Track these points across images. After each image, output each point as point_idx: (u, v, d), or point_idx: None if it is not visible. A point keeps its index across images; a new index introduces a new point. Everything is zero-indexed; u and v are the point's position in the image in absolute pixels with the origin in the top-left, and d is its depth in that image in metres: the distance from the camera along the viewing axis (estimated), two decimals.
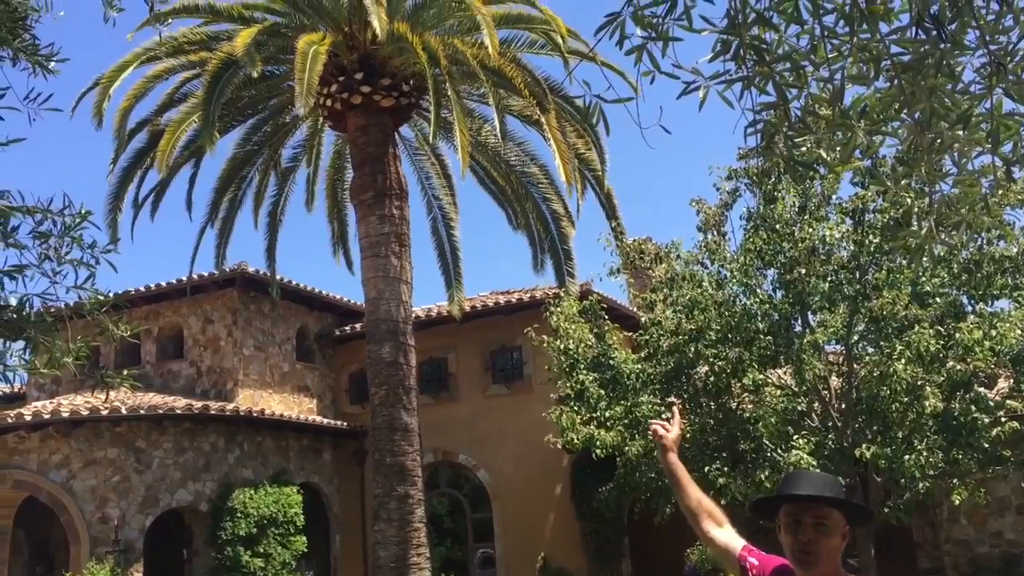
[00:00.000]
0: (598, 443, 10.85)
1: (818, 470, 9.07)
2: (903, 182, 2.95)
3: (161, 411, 15.52)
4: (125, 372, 4.31)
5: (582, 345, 11.38)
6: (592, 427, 11.19)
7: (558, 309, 11.96)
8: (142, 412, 15.28)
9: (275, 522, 16.46)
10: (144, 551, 15.45)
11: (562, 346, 11.46)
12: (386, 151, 13.73)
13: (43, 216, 3.54)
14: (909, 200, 9.40)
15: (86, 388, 17.95)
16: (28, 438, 15.33)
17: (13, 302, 3.65)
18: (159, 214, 13.97)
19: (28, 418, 14.79)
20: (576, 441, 11.42)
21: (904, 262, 10.38)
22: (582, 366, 11.34)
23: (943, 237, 2.63)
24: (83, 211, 3.60)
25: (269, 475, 17.27)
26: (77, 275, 3.70)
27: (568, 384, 11.45)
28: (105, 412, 14.91)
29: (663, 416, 11.39)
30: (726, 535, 3.07)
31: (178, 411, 15.70)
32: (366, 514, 17.53)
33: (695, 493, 3.12)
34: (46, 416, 14.76)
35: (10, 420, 14.80)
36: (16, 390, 19.93)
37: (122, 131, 12.32)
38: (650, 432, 3.37)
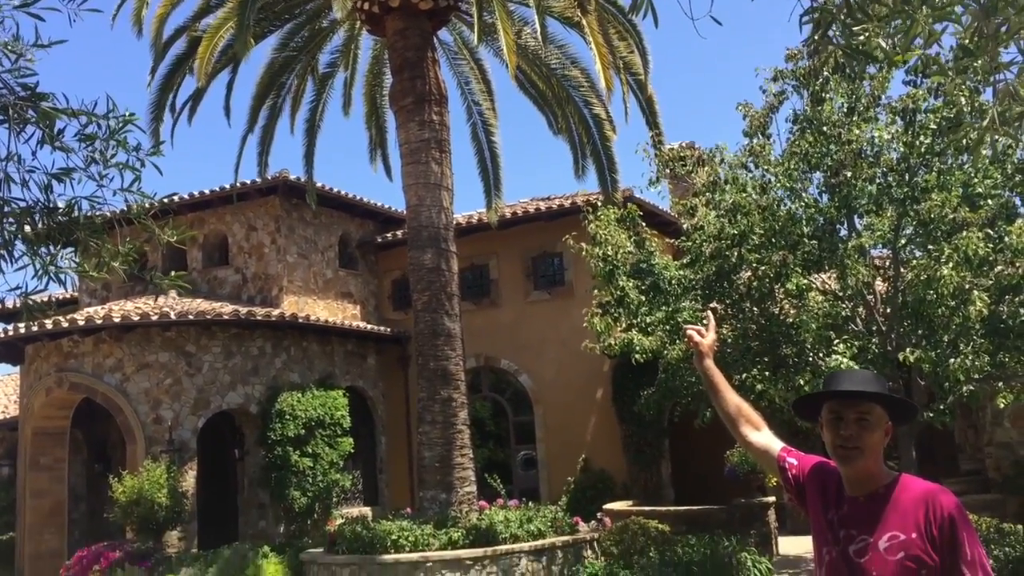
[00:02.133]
0: (637, 348, 10.90)
1: (867, 372, 9.06)
2: (965, 72, 2.85)
3: (209, 317, 15.85)
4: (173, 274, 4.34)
5: (621, 251, 11.32)
6: (633, 332, 11.22)
7: (596, 216, 11.87)
8: (191, 317, 15.62)
9: (322, 424, 16.91)
10: (197, 450, 16.01)
11: (601, 253, 11.41)
12: (425, 55, 13.55)
13: (88, 119, 3.55)
14: (963, 99, 9.09)
15: (136, 293, 18.41)
16: (82, 342, 15.79)
17: (62, 205, 3.70)
18: (201, 122, 14.07)
19: (81, 323, 15.19)
20: (614, 346, 11.47)
21: (955, 163, 10.13)
22: (622, 272, 11.31)
23: (1005, 129, 2.54)
24: (128, 114, 3.60)
25: (315, 379, 17.66)
26: (123, 178, 3.73)
27: (608, 291, 11.44)
28: (155, 317, 15.27)
29: (701, 322, 11.34)
30: (764, 438, 3.11)
31: (226, 317, 16.02)
32: (410, 416, 17.92)
33: (732, 398, 3.17)
34: (98, 321, 15.15)
35: (64, 325, 15.21)
36: (69, 296, 20.42)
37: (159, 38, 12.27)
38: (685, 337, 3.41)
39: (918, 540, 2.57)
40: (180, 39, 13.32)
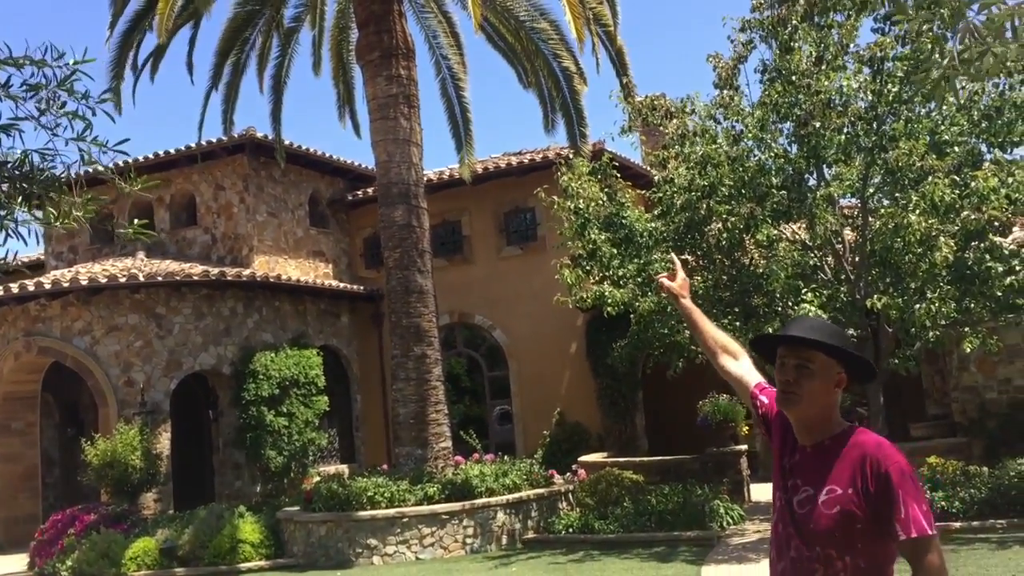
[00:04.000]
0: (609, 301, 10.94)
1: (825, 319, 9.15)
2: (932, 14, 2.82)
3: (179, 278, 15.69)
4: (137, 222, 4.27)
5: (593, 204, 11.30)
6: (605, 285, 11.25)
7: (569, 169, 11.82)
8: (160, 279, 15.45)
9: (296, 383, 16.88)
10: (171, 412, 15.94)
11: (572, 206, 11.39)
12: (391, 8, 13.35)
13: (37, 68, 3.44)
14: (929, 46, 9.14)
15: (103, 255, 18.19)
16: (49, 306, 15.60)
17: (12, 159, 3.60)
18: (165, 80, 13.82)
19: (48, 286, 15.00)
20: (586, 299, 11.50)
21: (923, 111, 10.16)
22: (594, 225, 11.30)
23: (965, 68, 2.53)
24: (73, 62, 3.47)
25: (288, 338, 17.59)
26: (73, 128, 3.62)
27: (580, 243, 11.44)
28: (123, 279, 15.09)
29: (669, 270, 11.37)
30: (740, 367, 3.11)
31: (195, 277, 15.87)
32: (385, 374, 17.89)
33: (710, 331, 3.18)
34: (65, 284, 14.96)
35: (31, 288, 15.01)
36: (35, 259, 20.14)
37: None
38: (657, 287, 3.45)
39: (853, 495, 2.53)
40: None
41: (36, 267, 19.75)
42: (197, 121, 14.62)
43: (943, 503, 10.06)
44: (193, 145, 16.82)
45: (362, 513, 11.64)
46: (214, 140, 16.98)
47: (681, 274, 3.31)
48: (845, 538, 2.53)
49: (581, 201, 11.30)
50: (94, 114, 3.60)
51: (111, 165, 4.04)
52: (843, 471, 2.59)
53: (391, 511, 11.58)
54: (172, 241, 18.38)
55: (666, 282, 3.31)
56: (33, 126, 3.54)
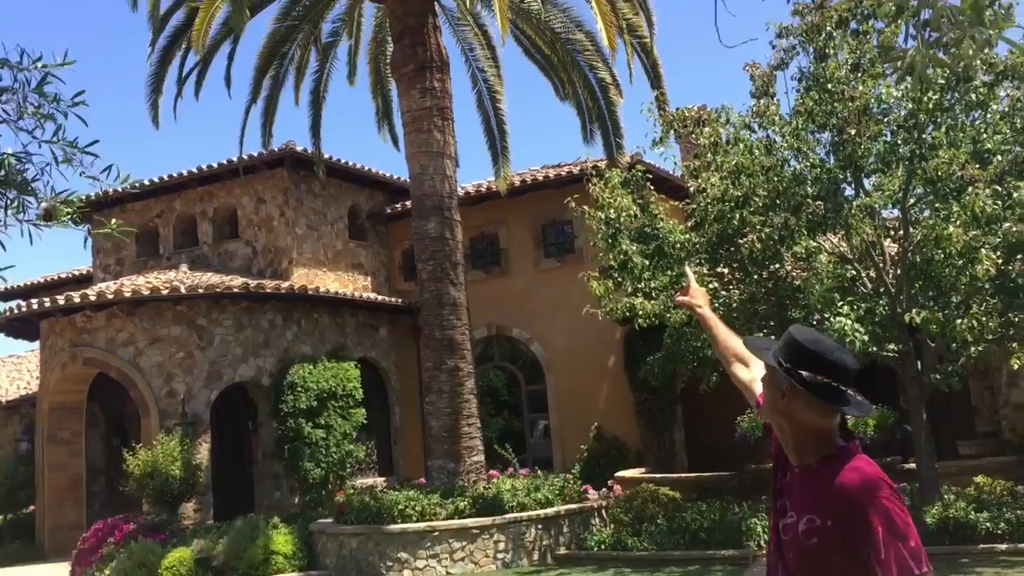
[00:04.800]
0: (640, 313, 10.77)
1: (862, 336, 8.89)
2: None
3: (219, 290, 15.86)
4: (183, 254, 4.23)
5: (624, 214, 11.16)
6: (636, 297, 11.09)
7: (599, 179, 11.70)
8: (201, 291, 15.63)
9: (334, 395, 16.93)
10: (211, 423, 16.09)
11: (603, 216, 11.26)
12: (426, 21, 13.38)
13: (13, 71, 3.43)
14: (971, 52, 8.87)
15: (148, 268, 18.48)
16: (95, 317, 15.87)
17: None
18: (209, 96, 14.01)
19: (93, 298, 15.26)
20: (616, 310, 11.35)
21: (964, 119, 9.87)
22: (625, 236, 11.16)
23: (938, 55, 2.39)
24: (39, 64, 3.43)
25: (327, 351, 17.67)
26: (44, 130, 3.61)
27: (611, 254, 11.30)
28: (165, 292, 15.30)
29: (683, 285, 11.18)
30: (750, 374, 3.00)
31: (235, 290, 16.02)
32: (423, 387, 17.92)
33: (725, 339, 3.12)
34: (110, 296, 15.21)
35: (76, 300, 15.30)
36: (84, 272, 20.57)
37: (156, 9, 12.16)
38: (678, 306, 3.43)
39: (832, 528, 2.37)
40: (179, 11, 13.22)
41: (85, 280, 20.17)
42: (238, 135, 14.76)
43: (988, 524, 9.70)
44: (235, 159, 17.03)
45: (393, 527, 11.60)
46: (255, 154, 17.18)
47: (694, 285, 3.27)
48: (823, 572, 2.39)
49: (612, 211, 11.17)
50: (66, 117, 3.58)
51: (123, 187, 4.01)
52: (824, 500, 2.43)
53: (422, 525, 11.52)
54: (214, 254, 18.61)
55: (682, 299, 3.28)
56: (11, 129, 3.54)
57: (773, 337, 3.06)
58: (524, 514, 11.84)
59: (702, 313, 3.19)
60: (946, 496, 10.46)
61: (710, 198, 10.67)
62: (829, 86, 9.80)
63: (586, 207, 11.62)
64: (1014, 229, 8.77)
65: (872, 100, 9.92)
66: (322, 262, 18.60)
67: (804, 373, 2.52)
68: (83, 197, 3.81)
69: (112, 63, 50.05)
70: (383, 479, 18.27)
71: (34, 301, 15.84)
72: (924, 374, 10.26)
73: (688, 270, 3.61)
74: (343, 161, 18.43)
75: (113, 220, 3.97)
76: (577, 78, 14.89)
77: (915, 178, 9.98)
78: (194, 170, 17.76)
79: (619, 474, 15.03)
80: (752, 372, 3.00)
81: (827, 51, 9.97)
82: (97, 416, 18.42)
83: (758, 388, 2.96)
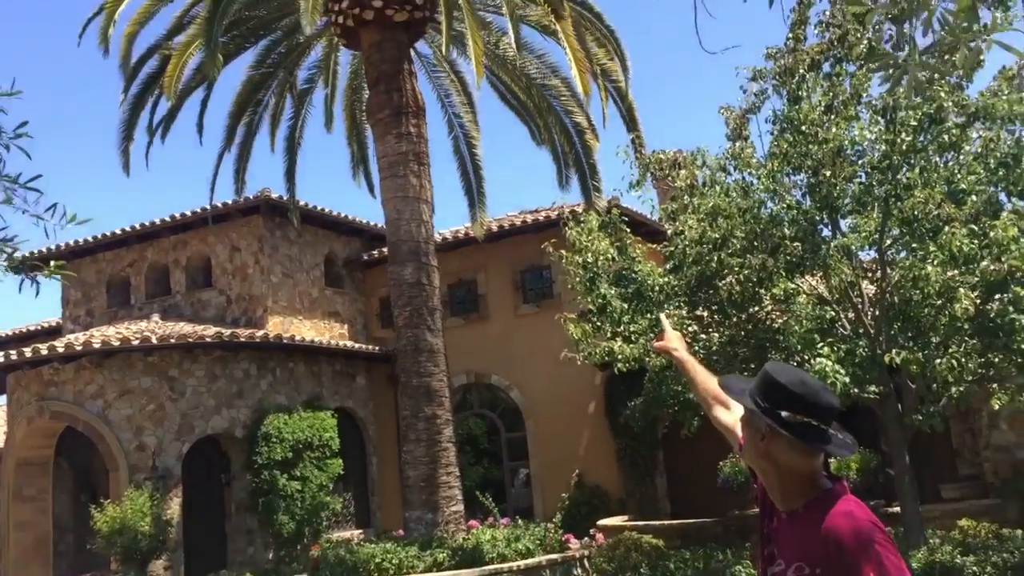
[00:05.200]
0: (620, 357, 10.63)
1: (844, 377, 8.78)
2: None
3: (191, 340, 15.60)
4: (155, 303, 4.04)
5: (601, 258, 11.06)
6: (616, 342, 10.95)
7: (576, 224, 11.63)
8: (172, 341, 15.36)
9: (310, 446, 16.61)
10: (183, 476, 15.71)
11: (581, 260, 11.16)
12: (401, 68, 13.38)
13: None
14: (943, 94, 8.75)
15: (119, 319, 18.17)
16: (63, 369, 15.53)
17: None
18: (181, 142, 13.95)
19: (60, 350, 14.95)
20: (594, 355, 11.21)
21: (938, 160, 9.89)
22: (603, 279, 11.05)
23: (928, 60, 2.30)
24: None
25: (303, 400, 17.38)
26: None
27: (590, 298, 11.18)
28: (136, 342, 15.02)
29: (681, 328, 11.18)
30: (731, 417, 2.90)
31: (208, 339, 15.75)
32: (400, 435, 17.65)
33: (703, 381, 3.02)
34: (78, 347, 14.90)
35: (44, 352, 14.97)
36: (54, 324, 20.21)
37: (128, 57, 12.09)
38: (654, 352, 3.37)
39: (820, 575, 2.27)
40: (152, 58, 13.15)
41: (54, 332, 19.82)
42: (209, 182, 14.63)
43: (975, 568, 9.54)
44: (208, 207, 16.87)
45: None
46: (230, 202, 17.04)
47: (669, 330, 3.20)
48: None
49: (590, 255, 11.07)
50: (8, 149, 3.44)
51: (68, 226, 3.83)
52: (811, 546, 2.31)
53: None
54: (187, 303, 18.35)
55: (659, 344, 3.21)
56: None
57: (747, 374, 2.96)
58: (504, 565, 11.56)
59: (679, 357, 3.11)
60: (931, 540, 10.30)
61: (688, 240, 10.60)
62: (803, 128, 9.80)
63: (563, 251, 11.52)
64: (991, 268, 8.74)
65: (846, 142, 9.93)
66: (298, 310, 18.38)
67: (783, 413, 2.41)
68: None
69: (74, 106, 49.88)
70: (360, 531, 17.89)
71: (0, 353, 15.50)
72: (905, 415, 10.14)
73: (663, 316, 3.54)
74: (319, 208, 18.31)
75: (52, 262, 3.77)
76: (553, 123, 14.92)
77: (891, 219, 9.96)
78: (167, 218, 17.58)
79: (601, 522, 14.77)
80: (733, 415, 2.89)
81: (800, 94, 9.99)
82: (65, 471, 17.95)
83: (740, 431, 2.85)
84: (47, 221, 3.61)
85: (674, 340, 3.14)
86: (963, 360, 9.05)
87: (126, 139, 13.05)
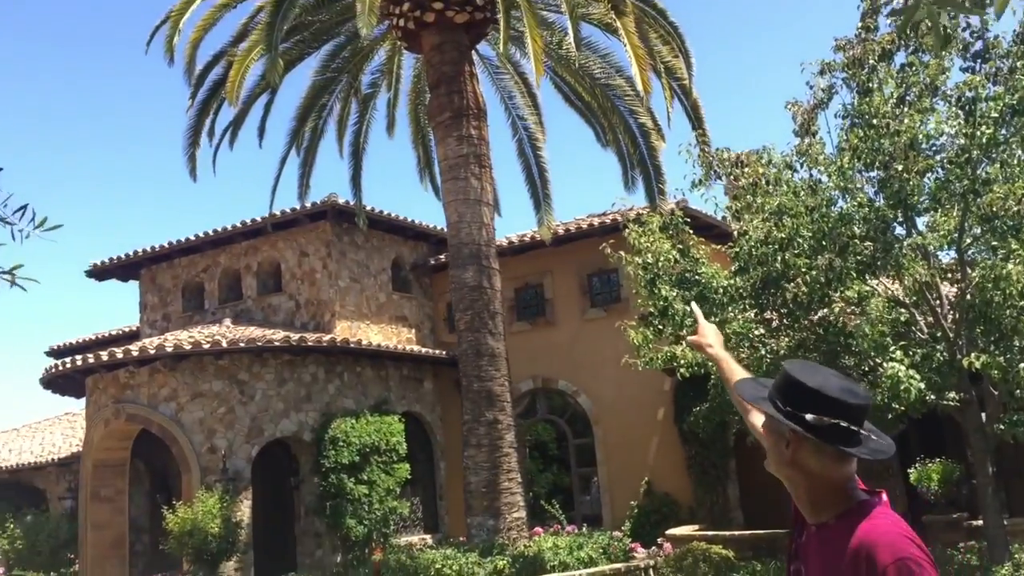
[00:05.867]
0: (682, 362, 10.30)
1: (918, 383, 8.31)
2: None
3: (260, 344, 15.75)
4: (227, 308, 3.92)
5: (662, 259, 10.74)
6: (679, 346, 10.62)
7: (636, 225, 11.33)
8: (242, 345, 15.54)
9: (377, 450, 16.63)
10: (253, 479, 15.88)
11: (641, 261, 10.85)
12: (462, 69, 13.29)
13: None
14: None
15: (194, 323, 18.51)
16: (137, 373, 15.86)
17: None
18: (244, 149, 14.05)
19: (135, 353, 15.27)
20: (655, 360, 10.89)
21: (1021, 152, 9.32)
22: (664, 281, 10.73)
23: None
24: None
25: (370, 404, 17.42)
26: None
27: (651, 301, 10.87)
28: (207, 346, 15.24)
29: (749, 335, 10.76)
30: None
31: (277, 343, 15.90)
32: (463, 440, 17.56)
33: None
34: (152, 351, 15.20)
35: (119, 356, 15.32)
36: (132, 329, 20.72)
37: (192, 64, 12.27)
38: (689, 345, 3.14)
39: None
40: (218, 65, 13.32)
41: (133, 336, 20.32)
42: (281, 188, 14.78)
43: None
44: (278, 213, 17.05)
45: None
46: (298, 207, 17.20)
47: (703, 322, 3.01)
48: None
49: (650, 256, 10.76)
50: None
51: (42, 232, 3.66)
52: (841, 564, 2.07)
53: None
54: (258, 308, 18.59)
55: (691, 339, 3.05)
56: None
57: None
58: (566, 574, 11.31)
59: (713, 354, 2.90)
60: (1017, 556, 9.69)
61: (753, 241, 10.21)
62: (874, 121, 9.34)
63: (623, 253, 11.24)
64: None
65: (920, 135, 9.43)
66: (365, 315, 18.44)
67: (808, 416, 2.18)
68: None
69: (142, 116, 51.28)
70: (429, 536, 17.85)
71: (78, 357, 15.91)
72: (988, 424, 9.58)
73: (695, 307, 3.29)
74: (385, 212, 18.36)
75: (11, 268, 3.53)
76: (618, 124, 14.64)
77: (970, 215, 9.43)
78: (238, 224, 17.84)
79: (669, 531, 14.39)
80: None
81: (871, 85, 9.53)
82: (142, 473, 18.36)
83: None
84: (14, 225, 3.44)
85: (709, 335, 2.94)
86: None
87: (192, 145, 13.26)
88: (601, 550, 12.09)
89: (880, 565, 1.97)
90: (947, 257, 11.15)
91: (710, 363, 10.37)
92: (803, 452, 2.19)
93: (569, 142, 51.66)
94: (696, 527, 15.16)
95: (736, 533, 13.97)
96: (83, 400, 18.15)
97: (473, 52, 13.88)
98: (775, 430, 2.25)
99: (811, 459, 2.19)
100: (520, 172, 16.19)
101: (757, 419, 2.68)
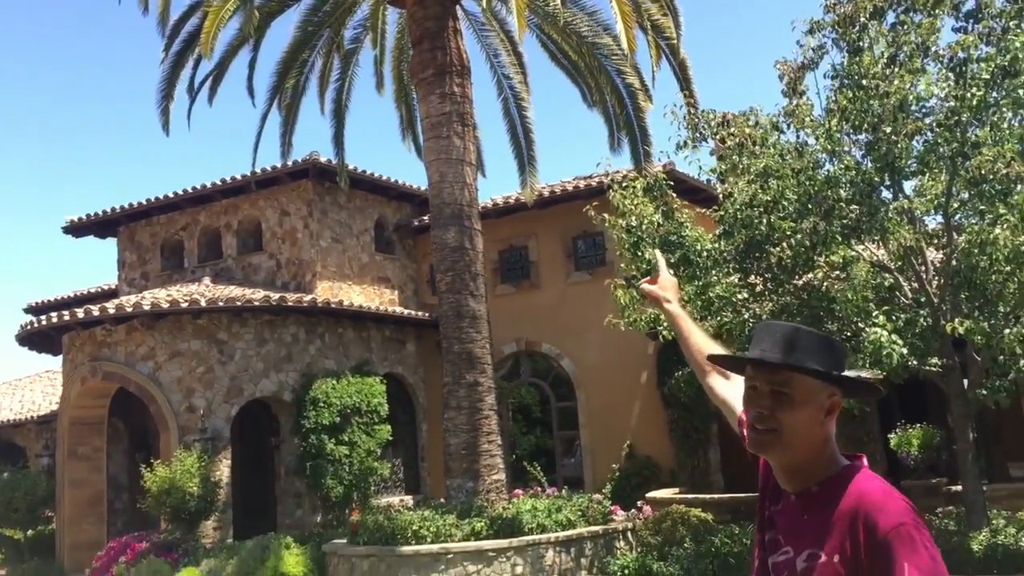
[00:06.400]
0: (664, 324, 10.18)
1: (900, 348, 8.22)
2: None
3: (239, 303, 15.57)
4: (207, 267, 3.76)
5: (646, 222, 10.58)
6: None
7: (621, 186, 11.15)
8: (221, 304, 15.35)
9: (358, 411, 16.52)
10: (233, 439, 15.77)
11: (625, 224, 10.69)
12: (445, 25, 12.99)
13: None
14: (1018, 44, 8.01)
15: (173, 282, 18.28)
16: (115, 331, 15.66)
17: None
18: (229, 105, 13.72)
19: (112, 311, 15.06)
20: (639, 322, 10.77)
21: (1011, 114, 9.17)
22: (648, 244, 10.58)
23: None
24: None
25: (351, 365, 17.29)
26: None
27: (635, 264, 10.73)
28: (185, 305, 15.04)
29: (733, 298, 10.65)
30: (729, 391, 2.48)
31: (256, 303, 15.71)
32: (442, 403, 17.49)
33: (698, 343, 2.59)
34: (129, 309, 14.99)
35: (96, 313, 15.10)
36: (111, 287, 20.48)
37: (166, 14, 11.92)
38: (640, 293, 2.84)
39: (840, 567, 1.86)
40: (195, 16, 12.95)
41: (112, 294, 20.07)
42: (262, 145, 14.47)
43: None
44: (258, 171, 16.77)
45: (406, 548, 11.10)
46: (278, 166, 16.91)
47: (665, 274, 2.75)
48: None
49: (634, 219, 10.60)
50: None
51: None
52: (831, 531, 1.91)
53: (435, 547, 11.00)
54: (238, 267, 18.37)
55: (647, 287, 2.74)
56: None
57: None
58: (543, 536, 11.27)
59: (670, 310, 2.66)
60: (995, 521, 9.69)
61: (738, 204, 10.07)
62: (863, 82, 9.17)
63: (607, 215, 11.07)
64: None
65: (911, 97, 9.26)
66: (347, 275, 18.25)
67: (851, 373, 2.04)
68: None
69: (124, 70, 50.47)
70: (410, 497, 17.82)
71: (54, 314, 15.69)
72: (970, 390, 9.53)
73: (659, 254, 3.05)
74: (368, 172, 18.09)
75: None
76: (605, 84, 14.36)
77: (958, 180, 9.29)
78: (218, 182, 17.55)
79: (650, 495, 14.39)
80: (733, 387, 2.45)
81: (860, 44, 9.34)
82: (121, 432, 18.22)
83: (737, 408, 2.42)
84: None
85: (668, 288, 2.70)
86: None
87: (166, 98, 12.92)
88: (580, 512, 12.04)
89: (881, 530, 1.82)
90: (933, 222, 11.04)
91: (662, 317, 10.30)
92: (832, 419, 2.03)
93: (556, 105, 51.26)
94: (677, 490, 15.18)
95: (716, 496, 13.98)
96: (59, 358, 17.93)
97: (458, 7, 13.55)
98: (810, 402, 2.00)
99: (830, 425, 2.03)
100: (505, 133, 15.92)
101: (720, 385, 2.50)
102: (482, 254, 12.97)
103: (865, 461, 2.06)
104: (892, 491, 1.93)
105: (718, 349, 2.60)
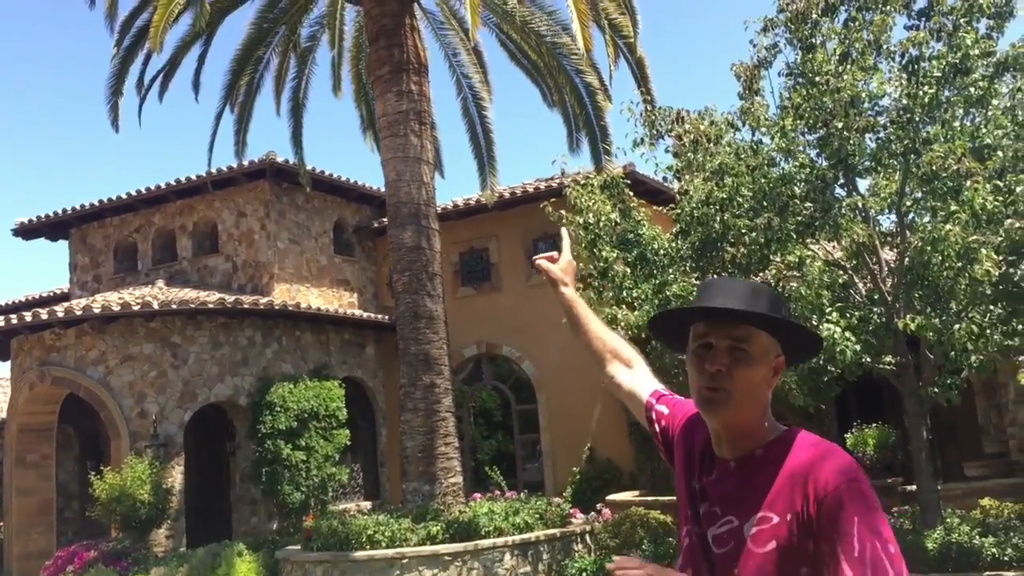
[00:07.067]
0: (622, 324, 10.09)
1: (853, 345, 8.20)
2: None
3: (193, 306, 15.26)
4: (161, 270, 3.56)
5: (602, 219, 10.50)
6: (618, 308, 10.41)
7: (577, 185, 11.07)
8: (174, 307, 15.04)
9: (316, 416, 16.27)
10: (188, 444, 15.45)
11: (582, 221, 10.60)
12: (403, 22, 12.85)
13: None
14: (969, 42, 8.01)
15: (126, 284, 17.92)
16: (64, 335, 15.29)
17: None
18: (184, 103, 13.45)
19: (61, 314, 14.71)
20: None
21: (962, 112, 9.21)
22: (605, 242, 10.50)
23: None
24: None
25: (309, 369, 17.04)
26: None
27: (592, 264, 10.64)
28: (137, 308, 14.71)
29: (689, 295, 10.60)
30: (633, 379, 2.33)
31: (211, 305, 15.41)
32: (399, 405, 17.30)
33: (596, 330, 2.42)
34: (78, 312, 14.64)
35: (44, 317, 14.74)
36: (63, 291, 20.05)
37: (114, 7, 11.66)
38: (536, 270, 2.61)
39: (794, 525, 1.76)
40: (146, 11, 12.69)
41: (63, 298, 19.65)
42: (217, 146, 14.19)
43: (993, 550, 8.95)
44: (214, 171, 16.49)
45: (359, 553, 10.91)
46: (234, 166, 16.64)
47: (567, 254, 2.52)
48: None
49: (591, 216, 10.52)
50: None
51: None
52: (779, 492, 1.80)
53: (390, 551, 10.82)
54: (193, 269, 18.05)
55: (544, 264, 2.50)
56: None
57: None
58: (500, 540, 11.13)
59: (565, 293, 2.45)
60: (949, 520, 9.70)
61: (694, 201, 10.02)
62: (816, 79, 9.16)
63: (563, 212, 10.98)
64: (1016, 226, 8.08)
65: (863, 94, 9.27)
66: (305, 277, 18.00)
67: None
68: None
69: (76, 69, 49.71)
70: (368, 503, 17.57)
71: (1, 318, 15.28)
72: (923, 388, 9.53)
73: (565, 232, 2.85)
74: (328, 173, 17.87)
75: None
76: (564, 84, 14.30)
77: (911, 178, 9.30)
78: (173, 182, 17.24)
79: (610, 497, 14.32)
80: (636, 376, 2.33)
81: (813, 41, 9.34)
82: (71, 438, 17.81)
83: (644, 395, 2.28)
84: None
85: (567, 271, 2.48)
86: (984, 327, 8.43)
87: (115, 94, 12.64)
88: (538, 515, 11.91)
89: (832, 485, 1.73)
90: (888, 222, 11.08)
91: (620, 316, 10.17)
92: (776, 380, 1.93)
93: (517, 107, 51.22)
94: (636, 493, 15.10)
95: (674, 499, 13.90)
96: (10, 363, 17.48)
97: (415, 5, 13.42)
98: (764, 360, 1.88)
99: (773, 386, 1.93)
100: (465, 134, 15.80)
101: (622, 373, 2.35)
102: (440, 254, 12.84)
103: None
104: (838, 448, 1.84)
105: (618, 338, 2.46)
